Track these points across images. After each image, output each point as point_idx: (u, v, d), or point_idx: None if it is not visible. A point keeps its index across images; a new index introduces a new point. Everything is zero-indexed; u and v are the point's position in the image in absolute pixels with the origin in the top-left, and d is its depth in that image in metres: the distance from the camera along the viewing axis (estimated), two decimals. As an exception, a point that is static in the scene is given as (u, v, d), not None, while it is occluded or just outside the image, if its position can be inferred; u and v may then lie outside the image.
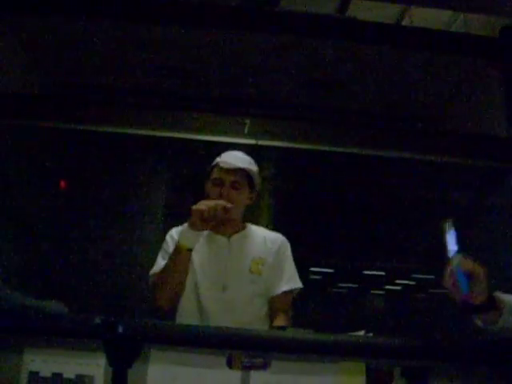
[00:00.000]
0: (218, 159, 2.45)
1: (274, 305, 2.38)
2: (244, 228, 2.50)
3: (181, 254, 2.22)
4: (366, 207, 7.10)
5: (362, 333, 1.84)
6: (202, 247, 2.35)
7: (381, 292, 11.84)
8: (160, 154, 5.36)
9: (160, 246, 2.47)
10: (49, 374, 1.47)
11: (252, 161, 2.48)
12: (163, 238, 2.48)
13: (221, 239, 2.41)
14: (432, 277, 9.77)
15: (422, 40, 3.89)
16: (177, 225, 2.44)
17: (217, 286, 2.30)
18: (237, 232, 2.45)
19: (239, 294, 2.30)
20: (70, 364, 1.48)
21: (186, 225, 2.25)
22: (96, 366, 1.48)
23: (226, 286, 2.30)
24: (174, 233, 2.43)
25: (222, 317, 2.22)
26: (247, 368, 1.49)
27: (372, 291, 11.83)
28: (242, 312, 2.28)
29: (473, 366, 1.55)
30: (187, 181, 5.81)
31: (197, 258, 2.32)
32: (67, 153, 5.31)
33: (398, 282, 11.34)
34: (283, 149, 4.47)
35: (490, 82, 4.03)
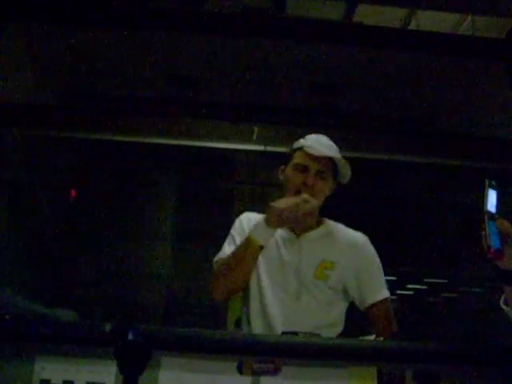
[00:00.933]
0: (302, 142, 2.22)
1: (372, 314, 2.16)
2: (320, 225, 2.22)
3: (250, 249, 2.02)
4: (376, 212, 7.08)
5: (372, 337, 1.83)
6: (270, 248, 2.12)
7: (392, 297, 11.79)
8: (169, 162, 5.38)
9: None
10: (60, 382, 1.47)
11: (337, 148, 2.23)
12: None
13: (290, 238, 2.17)
14: (444, 281, 9.72)
15: (429, 43, 3.89)
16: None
17: (280, 291, 2.08)
18: (310, 230, 2.18)
19: (300, 302, 2.07)
20: (81, 371, 1.48)
21: (260, 217, 2.07)
22: (107, 373, 1.48)
23: (288, 291, 2.08)
24: (245, 218, 2.22)
25: (284, 323, 2.00)
26: (258, 374, 1.48)
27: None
28: (303, 319, 2.03)
29: (485, 370, 1.54)
30: (196, 186, 5.83)
31: (261, 256, 2.09)
32: (77, 163, 5.34)
33: (409, 286, 11.28)
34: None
35: (500, 84, 4.02)
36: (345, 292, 2.16)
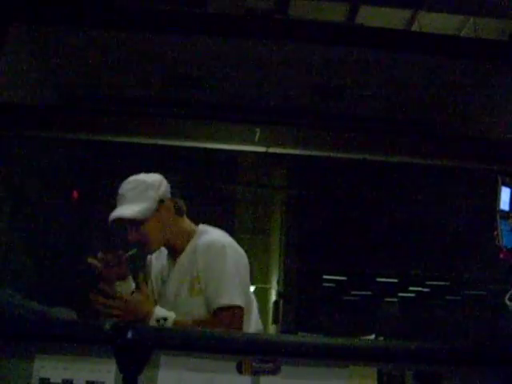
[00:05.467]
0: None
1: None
2: (189, 240, 2.14)
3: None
4: (379, 214, 7.08)
5: (372, 337, 1.83)
6: (160, 270, 2.21)
7: (394, 299, 11.78)
8: (170, 163, 5.37)
9: None
10: (59, 380, 1.47)
11: (131, 184, 2.10)
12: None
13: (170, 263, 2.17)
14: (446, 283, 9.71)
15: (431, 45, 3.89)
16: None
17: (169, 300, 2.10)
18: (182, 251, 2.13)
19: (184, 307, 2.05)
20: (80, 370, 1.47)
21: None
22: (106, 372, 1.47)
23: (175, 300, 2.08)
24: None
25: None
26: (257, 373, 1.48)
27: (385, 298, 11.76)
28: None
29: (486, 370, 1.53)
30: (198, 188, 5.83)
31: (157, 279, 2.21)
32: (79, 164, 5.35)
33: (411, 288, 11.27)
34: (293, 156, 4.46)
35: (503, 86, 4.02)
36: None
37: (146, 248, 2.08)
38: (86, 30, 3.99)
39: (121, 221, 2.04)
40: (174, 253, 2.14)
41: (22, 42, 4.00)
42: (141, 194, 2.06)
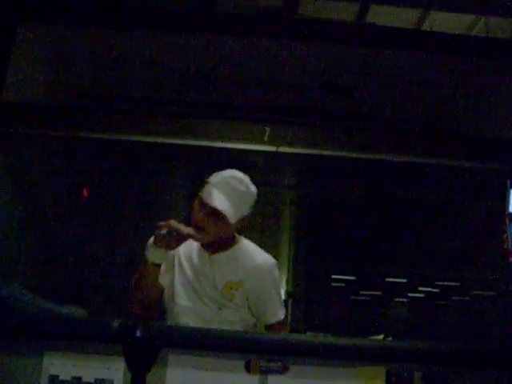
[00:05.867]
0: (212, 177, 2.30)
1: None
2: (232, 246, 2.32)
3: (146, 267, 2.16)
4: (389, 214, 7.05)
5: (380, 337, 1.83)
6: (189, 260, 2.29)
7: (404, 299, 11.75)
8: (181, 162, 5.39)
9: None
10: (68, 378, 1.48)
11: (245, 189, 2.25)
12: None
13: (203, 254, 2.29)
14: (456, 284, 9.67)
15: (442, 44, 3.87)
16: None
17: (190, 300, 2.23)
18: (222, 251, 2.29)
19: (208, 314, 2.20)
20: (89, 368, 1.49)
21: (149, 241, 2.19)
22: (115, 369, 1.48)
23: (196, 301, 2.22)
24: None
25: None
26: (265, 372, 1.48)
27: (395, 298, 11.73)
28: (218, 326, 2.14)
29: (493, 371, 1.53)
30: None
31: (177, 270, 2.28)
32: (89, 162, 5.37)
33: (421, 289, 11.24)
34: (304, 155, 4.45)
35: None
36: (249, 309, 2.28)
37: (201, 235, 2.17)
38: (95, 30, 4.00)
39: (206, 204, 2.17)
40: (212, 248, 2.27)
41: (31, 42, 4.02)
42: (244, 202, 2.23)
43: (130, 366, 1.44)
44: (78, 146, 4.90)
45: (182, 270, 2.28)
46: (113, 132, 4.24)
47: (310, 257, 8.07)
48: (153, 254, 2.13)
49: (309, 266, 8.17)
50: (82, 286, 4.96)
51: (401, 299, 11.78)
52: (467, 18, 4.13)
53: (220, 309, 2.19)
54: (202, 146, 4.45)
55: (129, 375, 1.44)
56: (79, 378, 1.48)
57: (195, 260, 2.28)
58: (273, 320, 2.24)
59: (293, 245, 7.82)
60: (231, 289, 2.22)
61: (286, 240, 7.88)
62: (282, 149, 4.31)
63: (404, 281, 10.50)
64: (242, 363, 1.48)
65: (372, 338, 1.78)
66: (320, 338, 1.56)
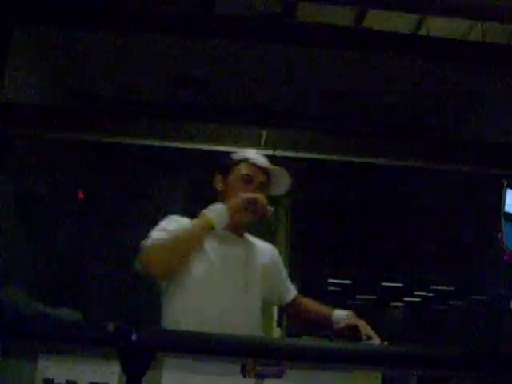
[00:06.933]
0: (242, 154, 2.31)
1: (295, 307, 2.38)
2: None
3: (203, 228, 2.07)
4: (384, 218, 7.06)
5: (377, 341, 1.82)
6: (215, 242, 2.16)
7: (400, 304, 11.76)
8: (176, 165, 5.38)
9: None
10: (63, 381, 1.47)
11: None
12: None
13: (236, 238, 2.24)
14: (451, 288, 9.68)
15: (439, 49, 3.88)
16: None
17: (238, 285, 2.14)
18: (243, 234, 2.31)
19: (255, 297, 2.18)
20: (84, 371, 1.48)
21: (220, 206, 2.13)
22: (110, 373, 1.47)
23: (247, 286, 2.15)
24: (176, 217, 2.25)
25: (235, 318, 2.05)
26: (261, 376, 1.47)
27: (391, 303, 11.74)
28: (253, 315, 2.17)
29: (491, 376, 1.53)
30: (204, 191, 5.82)
31: (212, 252, 2.14)
32: (85, 164, 5.36)
33: (416, 293, 11.25)
34: (300, 159, 4.45)
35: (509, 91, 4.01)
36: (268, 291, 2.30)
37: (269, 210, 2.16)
38: (93, 32, 4.01)
39: (261, 172, 2.25)
40: (240, 231, 2.27)
41: (28, 43, 4.02)
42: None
43: (126, 370, 1.43)
44: (75, 148, 4.89)
45: (209, 249, 2.15)
46: (106, 134, 4.23)
47: (306, 261, 8.07)
48: (218, 217, 2.08)
49: (305, 271, 8.16)
50: (76, 289, 4.94)
51: (397, 303, 11.79)
52: (464, 24, 4.13)
53: (246, 291, 2.14)
54: (198, 150, 4.44)
55: (124, 379, 1.43)
56: (74, 382, 1.47)
57: (222, 242, 2.18)
58: (294, 293, 2.37)
59: (289, 249, 7.81)
60: (265, 270, 2.25)
61: (282, 244, 7.87)
62: (278, 152, 4.31)
63: (400, 285, 10.51)
64: (238, 367, 1.48)
65: (368, 342, 1.78)
66: (316, 342, 1.56)
